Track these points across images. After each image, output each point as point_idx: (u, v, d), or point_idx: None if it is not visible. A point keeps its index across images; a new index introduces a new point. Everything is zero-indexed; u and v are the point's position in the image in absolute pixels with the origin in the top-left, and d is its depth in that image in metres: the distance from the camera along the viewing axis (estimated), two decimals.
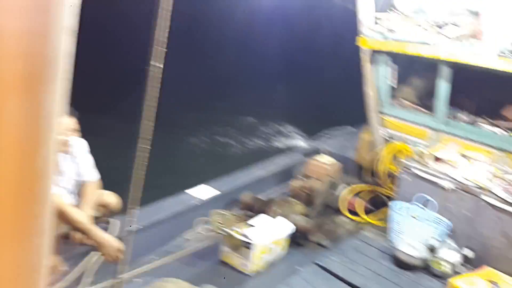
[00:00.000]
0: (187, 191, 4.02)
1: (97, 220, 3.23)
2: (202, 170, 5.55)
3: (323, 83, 12.00)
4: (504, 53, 3.70)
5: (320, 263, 3.47)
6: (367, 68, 4.65)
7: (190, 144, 8.69)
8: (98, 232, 2.87)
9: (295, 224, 3.69)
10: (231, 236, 3.34)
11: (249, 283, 3.24)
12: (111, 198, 3.31)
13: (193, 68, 12.28)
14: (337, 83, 10.70)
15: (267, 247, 3.37)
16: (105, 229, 3.15)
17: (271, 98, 11.30)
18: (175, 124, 8.87)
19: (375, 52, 4.59)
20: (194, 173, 4.98)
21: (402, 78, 4.87)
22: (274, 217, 3.73)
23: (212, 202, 4.08)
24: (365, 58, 4.61)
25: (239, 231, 3.39)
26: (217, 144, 8.87)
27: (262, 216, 3.69)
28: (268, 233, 3.43)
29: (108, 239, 2.86)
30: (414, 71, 4.94)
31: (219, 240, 3.55)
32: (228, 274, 3.30)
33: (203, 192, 4.06)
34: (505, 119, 4.32)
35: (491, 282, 3.10)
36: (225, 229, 3.50)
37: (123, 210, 3.25)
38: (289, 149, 5.77)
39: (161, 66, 1.37)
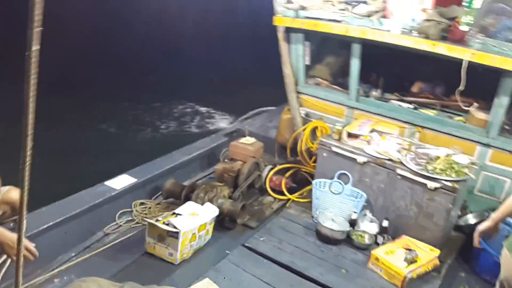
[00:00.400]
0: (105, 182, 3.80)
1: (3, 219, 2.93)
2: (120, 160, 5.26)
3: (245, 64, 11.92)
4: (406, 30, 3.93)
5: (248, 245, 3.49)
6: (283, 47, 4.69)
7: (101, 135, 7.94)
8: (1, 232, 2.59)
9: (221, 208, 3.66)
10: (155, 226, 3.23)
11: (176, 272, 3.15)
12: (14, 194, 2.97)
13: (94, 50, 11.33)
14: (259, 62, 10.66)
15: (193, 234, 3.30)
16: (13, 229, 2.87)
17: (190, 79, 10.92)
18: (80, 116, 8.19)
19: (290, 31, 4.64)
20: (110, 164, 4.71)
21: (317, 57, 4.99)
22: (200, 203, 3.67)
23: (134, 193, 3.91)
24: (281, 37, 4.65)
25: (164, 221, 3.28)
26: (133, 133, 8.31)
27: (187, 203, 3.61)
28: (194, 220, 3.36)
29: (14, 238, 2.59)
30: (328, 49, 5.08)
31: (143, 232, 3.42)
32: (154, 265, 3.20)
33: (123, 182, 3.86)
34: (412, 94, 4.64)
35: (408, 249, 3.34)
36: (148, 219, 3.37)
37: (30, 207, 2.97)
38: (212, 132, 5.69)
39: (38, 48, 1.18)
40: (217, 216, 3.57)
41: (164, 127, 8.84)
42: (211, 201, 3.72)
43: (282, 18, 4.54)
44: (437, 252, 3.38)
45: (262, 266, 3.27)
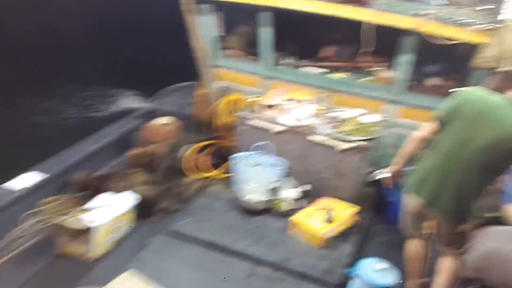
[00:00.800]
0: (3, 185, 3.44)
1: None
2: (19, 158, 4.73)
3: (151, 39, 11.17)
4: None
5: (172, 229, 3.39)
6: (191, 19, 4.49)
7: None
8: None
9: (140, 195, 3.50)
10: (65, 224, 3.00)
11: (95, 269, 2.99)
12: None
13: None
14: (168, 36, 10.00)
15: (110, 227, 3.13)
16: None
17: (87, 59, 9.88)
18: None
19: (197, 2, 4.43)
20: (9, 164, 4.23)
21: (230, 27, 4.84)
22: (116, 192, 3.48)
23: (41, 191, 3.59)
24: (187, 9, 4.43)
25: (75, 217, 3.07)
26: (29, 126, 7.31)
27: (101, 195, 3.40)
28: (110, 212, 3.18)
29: None
30: (240, 19, 4.95)
31: (53, 232, 3.17)
32: (69, 266, 2.99)
33: (26, 181, 3.53)
34: (324, 59, 4.68)
35: (327, 210, 3.43)
36: (57, 218, 3.13)
37: None
38: (123, 115, 5.30)
39: None
40: (136, 204, 3.41)
41: (65, 115, 7.95)
42: (128, 189, 3.54)
43: None
44: (356, 208, 3.51)
45: (186, 248, 3.20)
